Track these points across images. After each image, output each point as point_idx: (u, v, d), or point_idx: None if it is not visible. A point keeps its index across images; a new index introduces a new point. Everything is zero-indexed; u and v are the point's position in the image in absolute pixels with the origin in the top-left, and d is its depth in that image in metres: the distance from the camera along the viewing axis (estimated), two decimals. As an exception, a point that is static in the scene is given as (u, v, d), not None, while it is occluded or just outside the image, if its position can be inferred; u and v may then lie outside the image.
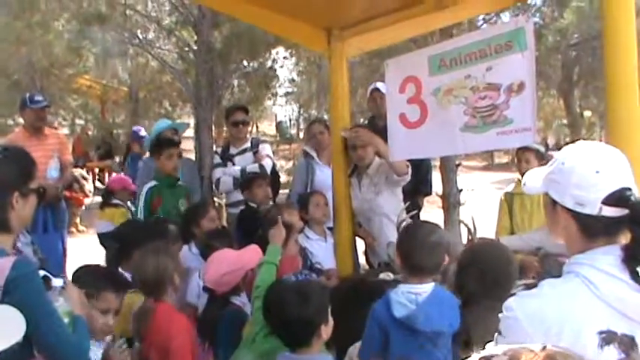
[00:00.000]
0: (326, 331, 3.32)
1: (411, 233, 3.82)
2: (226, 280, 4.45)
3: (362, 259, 7.00)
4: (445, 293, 3.70)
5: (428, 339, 3.53)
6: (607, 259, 2.05)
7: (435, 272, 3.73)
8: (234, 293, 4.54)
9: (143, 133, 11.30)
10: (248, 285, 4.56)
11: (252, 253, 4.66)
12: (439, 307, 3.58)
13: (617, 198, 2.03)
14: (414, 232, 3.84)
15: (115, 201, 7.97)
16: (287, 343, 3.45)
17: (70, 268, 8.40)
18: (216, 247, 4.87)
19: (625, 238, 2.08)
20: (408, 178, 5.82)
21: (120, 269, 4.64)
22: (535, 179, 2.32)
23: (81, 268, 4.07)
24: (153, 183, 6.53)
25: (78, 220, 14.01)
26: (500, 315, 2.14)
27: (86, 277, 3.83)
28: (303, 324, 3.29)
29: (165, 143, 6.66)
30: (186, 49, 9.92)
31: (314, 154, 7.27)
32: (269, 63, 13.89)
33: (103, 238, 7.30)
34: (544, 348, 0.86)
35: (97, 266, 4.33)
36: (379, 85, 7.41)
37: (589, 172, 2.07)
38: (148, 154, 7.76)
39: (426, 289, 3.58)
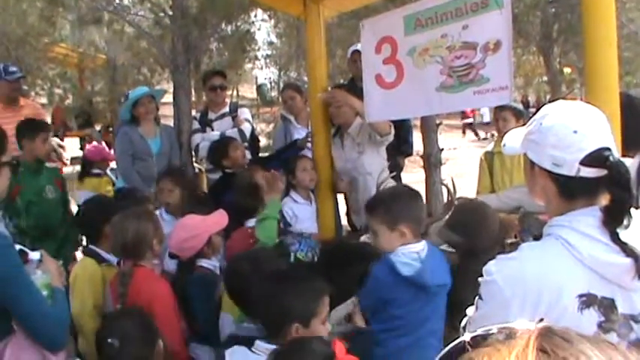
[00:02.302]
0: None
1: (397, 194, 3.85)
2: (189, 245, 4.48)
3: (344, 221, 7.02)
4: (435, 248, 3.78)
5: (435, 293, 3.61)
6: (586, 220, 2.03)
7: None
8: (201, 257, 4.54)
9: None
10: (214, 249, 4.63)
11: (217, 217, 4.69)
12: (439, 262, 3.70)
13: (595, 158, 2.00)
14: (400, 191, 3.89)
15: (96, 171, 7.92)
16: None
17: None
18: (198, 214, 4.89)
19: (605, 199, 2.06)
20: (391, 138, 5.81)
21: (96, 248, 4.61)
22: (514, 140, 2.30)
23: None
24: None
25: (57, 189, 13.92)
26: (480, 279, 2.14)
27: None
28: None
29: (41, 127, 6.56)
30: (162, 14, 9.80)
31: (291, 118, 7.28)
32: (246, 26, 13.77)
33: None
34: (540, 321, 0.86)
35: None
36: (360, 46, 7.37)
37: (567, 132, 2.04)
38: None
39: (422, 246, 3.64)
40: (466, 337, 0.87)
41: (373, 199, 3.97)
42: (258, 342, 2.99)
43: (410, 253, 3.57)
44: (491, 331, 0.87)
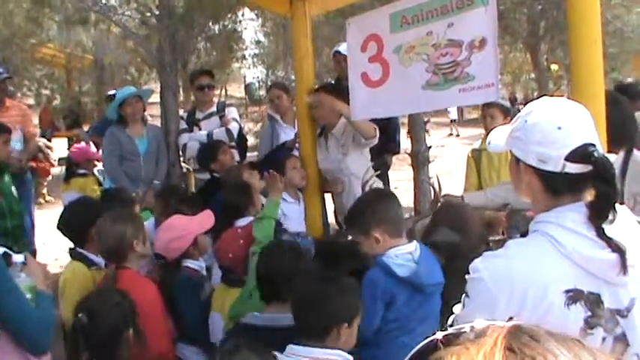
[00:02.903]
0: None
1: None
2: (174, 246, 4.48)
3: (331, 219, 7.03)
4: (427, 248, 3.80)
5: (431, 293, 3.65)
6: (572, 216, 2.04)
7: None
8: (187, 258, 4.54)
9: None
10: (200, 250, 4.65)
11: (203, 218, 4.70)
12: (432, 260, 3.75)
13: (580, 154, 2.01)
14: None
15: (81, 171, 7.89)
16: (263, 296, 3.52)
17: (39, 240, 8.41)
18: (186, 214, 4.88)
19: (590, 195, 2.07)
20: (376, 140, 5.79)
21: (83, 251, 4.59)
22: (499, 137, 2.31)
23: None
24: None
25: (45, 190, 13.88)
26: (467, 277, 2.14)
27: None
28: (288, 280, 3.30)
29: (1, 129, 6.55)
30: (148, 14, 9.77)
31: (277, 117, 7.27)
32: (234, 25, 13.75)
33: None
34: (510, 319, 0.86)
35: None
36: (341, 47, 7.39)
37: (551, 129, 2.05)
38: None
39: (414, 246, 3.68)
40: (438, 335, 0.87)
41: (348, 211, 4.06)
42: (295, 347, 2.95)
43: (403, 255, 3.60)
44: (463, 330, 0.87)
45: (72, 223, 4.67)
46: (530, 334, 0.80)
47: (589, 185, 2.06)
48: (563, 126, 2.04)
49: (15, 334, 2.98)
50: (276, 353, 2.92)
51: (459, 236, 3.93)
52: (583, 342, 0.81)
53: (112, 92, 11.13)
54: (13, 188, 6.26)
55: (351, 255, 3.94)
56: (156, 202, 5.88)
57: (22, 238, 6.21)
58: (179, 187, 7.34)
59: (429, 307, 3.66)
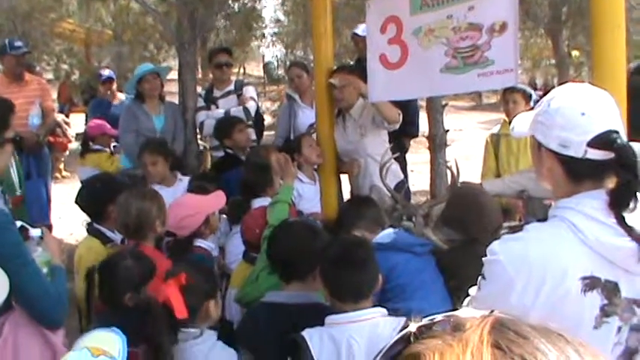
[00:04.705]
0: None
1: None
2: (185, 223, 4.47)
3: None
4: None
5: (421, 252, 3.92)
6: (593, 203, 2.03)
7: None
8: (197, 237, 4.55)
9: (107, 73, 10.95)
10: (211, 229, 4.69)
11: (215, 197, 4.72)
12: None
13: (603, 141, 2.00)
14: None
15: (96, 147, 7.91)
16: (282, 276, 3.55)
17: (55, 214, 8.47)
18: (207, 190, 4.90)
19: (611, 183, 2.05)
20: (398, 125, 5.79)
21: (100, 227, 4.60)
22: (522, 123, 2.30)
23: None
24: None
25: (62, 165, 13.93)
26: (484, 259, 2.14)
27: None
28: (306, 257, 3.35)
29: None
30: (168, -10, 9.75)
31: (296, 97, 7.24)
32: (253, 3, 13.71)
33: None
34: (490, 313, 0.83)
35: None
36: (359, 29, 7.36)
37: (574, 114, 2.04)
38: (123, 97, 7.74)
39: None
40: (412, 327, 0.85)
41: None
42: (336, 316, 3.04)
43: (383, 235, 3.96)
44: (435, 320, 0.85)
45: (91, 199, 4.68)
46: (515, 330, 0.78)
47: (611, 172, 2.04)
48: (586, 112, 2.03)
49: (30, 308, 3.00)
50: (313, 329, 3.01)
51: (464, 232, 3.96)
52: (565, 334, 0.80)
53: (105, 72, 10.99)
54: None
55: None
56: None
57: None
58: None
59: (426, 273, 3.82)
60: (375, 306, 3.11)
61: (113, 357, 2.48)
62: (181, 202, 4.64)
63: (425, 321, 0.85)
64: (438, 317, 0.85)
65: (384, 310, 3.10)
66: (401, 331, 0.85)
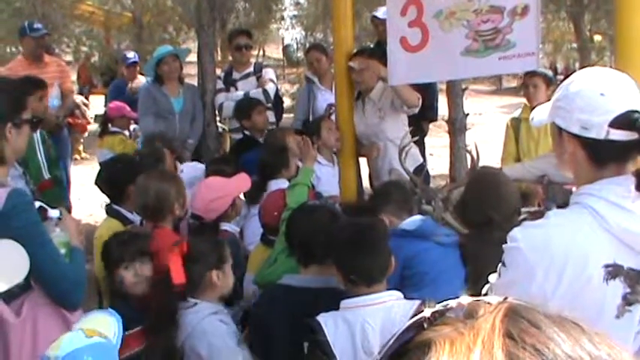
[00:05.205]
0: None
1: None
2: (214, 206, 4.46)
3: (366, 183, 7.02)
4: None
5: (444, 242, 3.86)
6: (616, 189, 2.00)
7: None
8: (223, 220, 4.54)
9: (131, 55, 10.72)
10: (237, 212, 4.69)
11: (240, 180, 4.70)
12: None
13: (625, 120, 1.97)
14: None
15: (114, 129, 7.93)
16: (300, 259, 3.54)
17: (75, 196, 8.52)
18: (225, 173, 4.89)
19: (634, 167, 2.04)
20: (417, 110, 5.77)
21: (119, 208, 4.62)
22: (542, 113, 2.28)
23: None
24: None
25: (81, 147, 13.99)
26: (504, 246, 2.12)
27: None
28: (324, 241, 3.32)
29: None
30: (188, -28, 9.74)
31: (315, 80, 7.24)
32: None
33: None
34: (504, 300, 0.81)
35: None
36: (378, 12, 7.32)
37: (594, 95, 2.02)
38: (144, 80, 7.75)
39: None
40: (426, 312, 0.83)
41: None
42: (351, 300, 3.06)
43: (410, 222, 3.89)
44: (449, 306, 0.83)
45: (110, 180, 4.71)
46: (528, 319, 0.76)
47: (634, 155, 2.03)
48: (606, 92, 2.01)
49: (48, 288, 3.01)
50: (328, 314, 3.03)
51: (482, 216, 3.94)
52: (580, 323, 0.78)
53: (130, 55, 10.80)
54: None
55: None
56: None
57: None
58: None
59: (447, 263, 3.78)
60: (389, 289, 3.12)
61: (107, 337, 2.50)
62: (209, 185, 4.63)
63: (438, 307, 0.83)
64: (452, 303, 0.83)
65: (398, 294, 3.11)
66: (414, 315, 0.84)
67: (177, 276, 3.27)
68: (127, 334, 2.99)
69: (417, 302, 3.02)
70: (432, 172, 7.37)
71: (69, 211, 5.29)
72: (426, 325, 0.81)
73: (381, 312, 2.98)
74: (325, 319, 3.00)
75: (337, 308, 3.06)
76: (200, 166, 6.02)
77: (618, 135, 1.98)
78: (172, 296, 3.32)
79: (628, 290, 2.00)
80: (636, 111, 1.98)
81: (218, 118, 8.09)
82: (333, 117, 6.27)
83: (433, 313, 0.82)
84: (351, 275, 3.09)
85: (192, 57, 9.45)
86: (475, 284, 3.42)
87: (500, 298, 0.82)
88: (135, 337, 3.29)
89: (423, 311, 0.83)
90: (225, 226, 4.56)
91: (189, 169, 6.02)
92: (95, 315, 2.72)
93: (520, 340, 0.73)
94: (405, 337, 0.82)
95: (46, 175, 5.87)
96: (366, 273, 3.07)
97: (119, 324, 2.61)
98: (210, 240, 3.75)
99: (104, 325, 2.58)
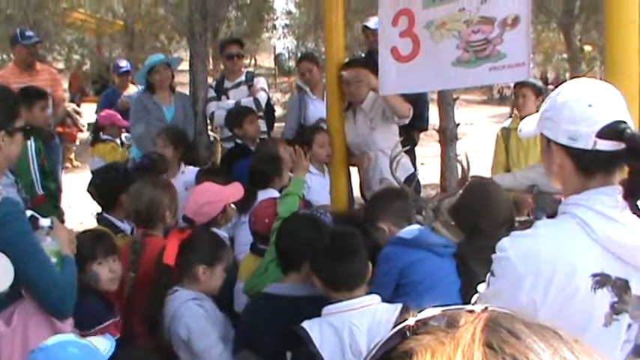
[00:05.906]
0: None
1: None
2: (205, 210, 4.46)
3: (357, 193, 7.02)
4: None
5: (442, 253, 3.82)
6: (603, 199, 2.02)
7: None
8: (213, 226, 4.55)
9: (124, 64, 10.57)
10: (227, 219, 4.71)
11: (233, 188, 4.71)
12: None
13: (612, 130, 1.99)
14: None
15: (105, 137, 7.93)
16: (281, 266, 3.60)
17: (66, 204, 8.49)
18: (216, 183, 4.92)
19: (621, 177, 2.06)
20: (408, 120, 5.79)
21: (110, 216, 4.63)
22: (529, 124, 2.30)
23: None
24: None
25: (72, 155, 13.96)
26: (493, 255, 2.13)
27: None
28: (304, 250, 3.35)
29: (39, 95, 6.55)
30: (179, -20, 9.77)
31: (307, 89, 7.25)
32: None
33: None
34: (485, 309, 0.82)
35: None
36: (369, 22, 7.35)
37: (581, 106, 2.04)
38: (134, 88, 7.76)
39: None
40: (410, 321, 0.84)
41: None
42: (332, 306, 3.08)
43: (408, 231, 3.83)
44: (431, 315, 0.84)
45: (102, 188, 4.72)
46: (508, 329, 0.77)
47: (621, 165, 2.06)
48: (593, 103, 2.03)
49: (39, 297, 3.00)
50: (312, 320, 3.05)
51: (473, 224, 3.95)
52: (559, 332, 0.79)
53: (122, 64, 10.69)
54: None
55: (365, 232, 3.99)
56: None
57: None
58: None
59: (443, 273, 3.76)
60: (368, 293, 3.17)
61: (97, 348, 2.51)
62: (203, 189, 4.65)
63: (421, 315, 0.84)
64: (434, 312, 0.84)
65: (379, 297, 3.15)
66: (398, 322, 0.85)
67: (169, 255, 3.50)
68: (102, 327, 3.33)
69: (400, 305, 3.06)
70: (422, 182, 7.38)
71: (61, 220, 5.27)
72: (408, 334, 0.82)
73: (366, 315, 3.02)
74: (310, 325, 3.03)
75: (319, 315, 3.09)
76: None
77: (605, 145, 2.00)
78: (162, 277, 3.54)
79: (615, 299, 2.02)
80: (623, 121, 2.00)
81: (209, 127, 8.09)
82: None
83: (416, 321, 0.83)
84: (334, 282, 3.13)
85: (184, 65, 9.44)
86: (467, 293, 3.44)
87: (481, 307, 0.83)
88: (110, 330, 3.42)
89: (407, 319, 0.84)
90: (214, 231, 4.57)
91: (191, 171, 6.14)
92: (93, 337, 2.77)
93: (500, 350, 0.74)
94: (388, 345, 0.83)
95: (39, 192, 5.86)
96: (349, 279, 3.12)
97: (113, 345, 2.63)
98: (212, 237, 3.79)
99: (98, 340, 2.60)
